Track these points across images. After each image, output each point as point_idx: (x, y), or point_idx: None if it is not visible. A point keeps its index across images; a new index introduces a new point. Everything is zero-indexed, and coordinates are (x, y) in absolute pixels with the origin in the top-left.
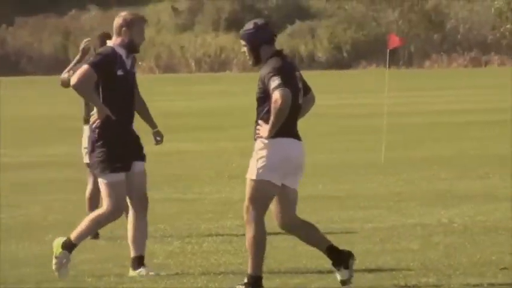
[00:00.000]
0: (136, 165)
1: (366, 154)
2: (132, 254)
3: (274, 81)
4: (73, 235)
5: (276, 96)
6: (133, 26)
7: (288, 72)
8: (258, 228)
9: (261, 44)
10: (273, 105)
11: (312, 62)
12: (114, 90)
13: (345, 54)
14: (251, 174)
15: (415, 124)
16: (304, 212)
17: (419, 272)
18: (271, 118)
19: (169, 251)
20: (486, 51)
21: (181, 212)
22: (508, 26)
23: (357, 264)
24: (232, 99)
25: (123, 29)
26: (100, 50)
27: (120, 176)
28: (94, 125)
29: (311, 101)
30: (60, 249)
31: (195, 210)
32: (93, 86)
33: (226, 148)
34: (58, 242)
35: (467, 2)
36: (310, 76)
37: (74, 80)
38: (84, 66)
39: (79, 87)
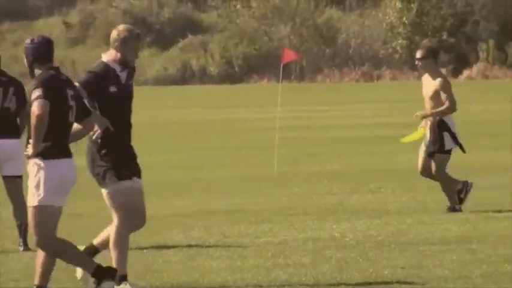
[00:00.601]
0: (136, 182)
1: (259, 168)
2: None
3: (34, 94)
4: (119, 270)
5: (33, 108)
6: (126, 43)
7: (55, 87)
8: (59, 245)
9: (34, 60)
10: (30, 118)
11: (204, 76)
12: (109, 106)
13: (236, 69)
14: (31, 201)
15: (307, 138)
16: (195, 226)
17: (311, 287)
18: (32, 132)
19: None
20: (378, 65)
21: None
22: (400, 40)
23: (249, 278)
24: None
25: (116, 43)
26: (92, 66)
27: (128, 183)
28: (95, 136)
29: (89, 126)
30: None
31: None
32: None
33: None
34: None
35: (358, 16)
36: (202, 90)
37: None
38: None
39: None
